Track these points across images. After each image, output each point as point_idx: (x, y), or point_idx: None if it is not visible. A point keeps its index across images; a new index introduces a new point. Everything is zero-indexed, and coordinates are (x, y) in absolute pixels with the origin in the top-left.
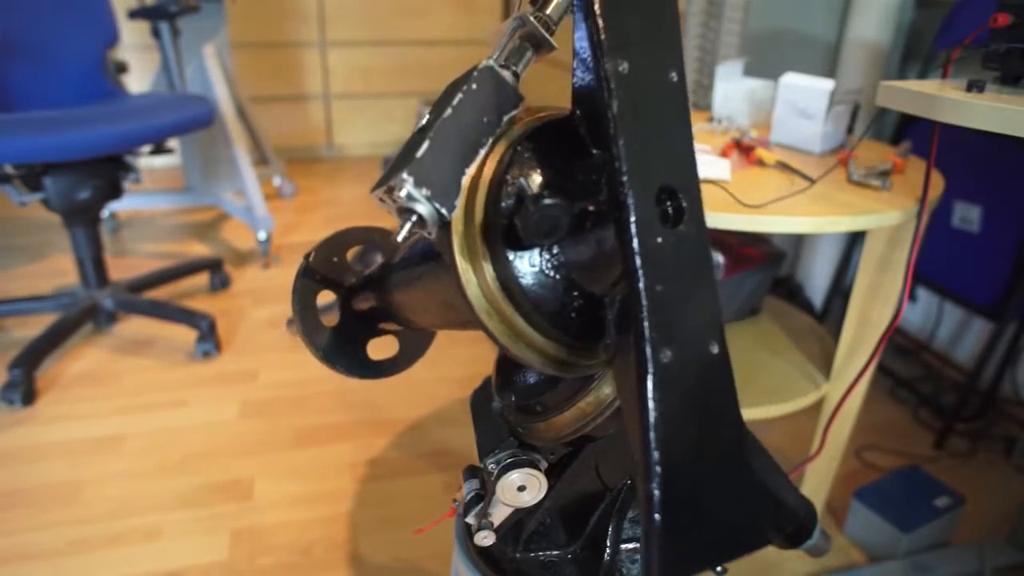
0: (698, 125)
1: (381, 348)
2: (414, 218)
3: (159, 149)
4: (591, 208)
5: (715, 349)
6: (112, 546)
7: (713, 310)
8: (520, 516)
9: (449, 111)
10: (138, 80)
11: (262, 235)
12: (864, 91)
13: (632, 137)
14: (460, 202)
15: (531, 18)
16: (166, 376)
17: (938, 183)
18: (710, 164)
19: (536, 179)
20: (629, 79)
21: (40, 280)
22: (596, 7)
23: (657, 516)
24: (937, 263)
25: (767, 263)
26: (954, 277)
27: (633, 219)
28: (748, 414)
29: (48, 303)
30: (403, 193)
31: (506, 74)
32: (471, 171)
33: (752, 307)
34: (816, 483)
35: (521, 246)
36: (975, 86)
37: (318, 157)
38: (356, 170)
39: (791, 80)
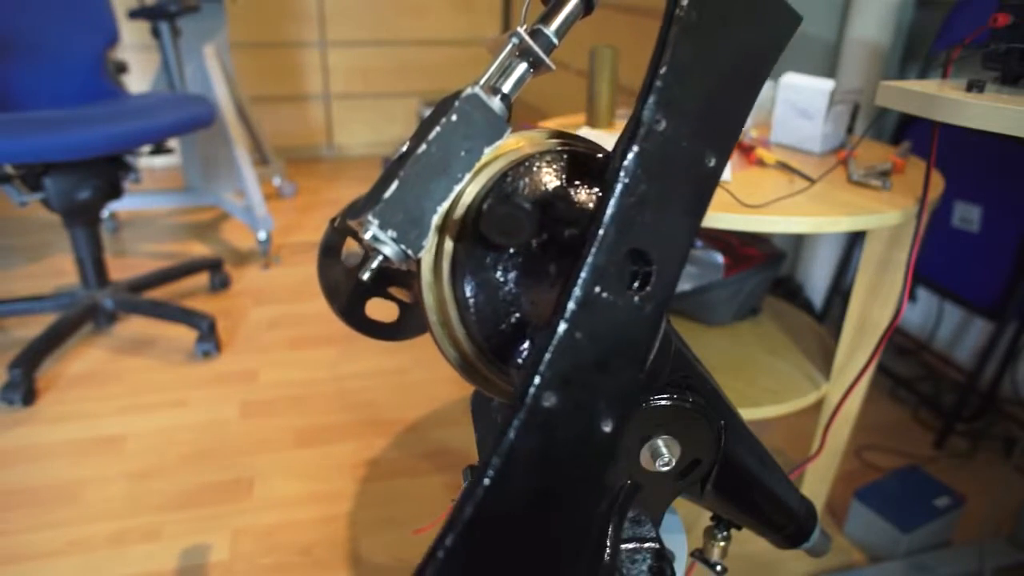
0: None
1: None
2: (380, 257)
3: (159, 149)
4: (566, 237)
5: (607, 428)
6: (112, 546)
7: (629, 390)
8: None
9: (424, 146)
10: (138, 80)
11: (262, 235)
12: (864, 91)
13: (631, 189)
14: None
15: (527, 37)
16: (166, 376)
17: (938, 183)
18: None
19: (532, 185)
20: (660, 137)
21: (40, 280)
22: (665, 57)
23: (451, 536)
24: (937, 263)
25: (767, 263)
26: (954, 277)
27: (589, 261)
28: (748, 414)
29: (48, 303)
30: (368, 236)
31: (494, 102)
32: (443, 208)
33: (752, 307)
34: (816, 483)
35: (487, 241)
36: (975, 86)
37: (318, 157)
38: (356, 170)
39: (791, 80)
